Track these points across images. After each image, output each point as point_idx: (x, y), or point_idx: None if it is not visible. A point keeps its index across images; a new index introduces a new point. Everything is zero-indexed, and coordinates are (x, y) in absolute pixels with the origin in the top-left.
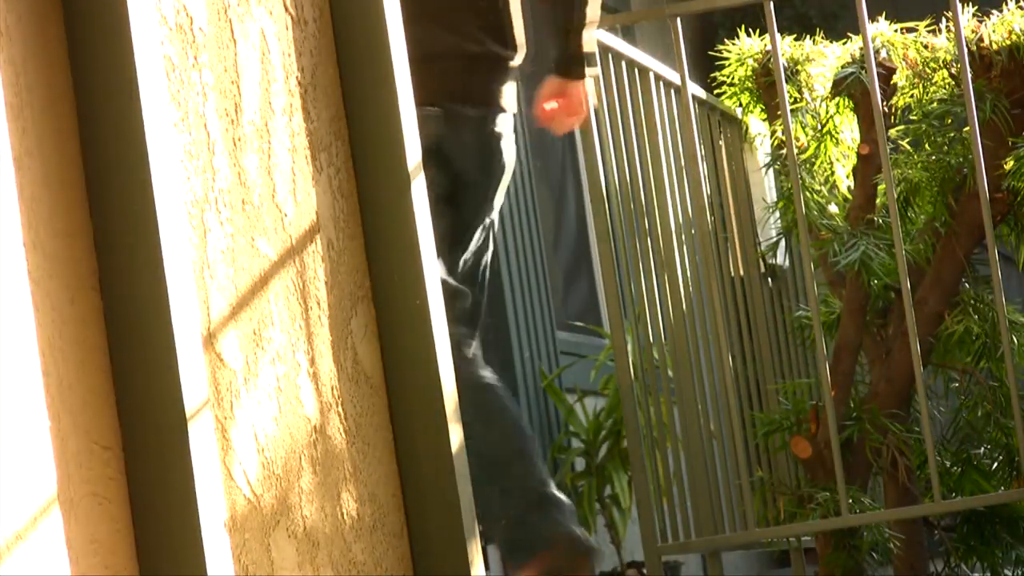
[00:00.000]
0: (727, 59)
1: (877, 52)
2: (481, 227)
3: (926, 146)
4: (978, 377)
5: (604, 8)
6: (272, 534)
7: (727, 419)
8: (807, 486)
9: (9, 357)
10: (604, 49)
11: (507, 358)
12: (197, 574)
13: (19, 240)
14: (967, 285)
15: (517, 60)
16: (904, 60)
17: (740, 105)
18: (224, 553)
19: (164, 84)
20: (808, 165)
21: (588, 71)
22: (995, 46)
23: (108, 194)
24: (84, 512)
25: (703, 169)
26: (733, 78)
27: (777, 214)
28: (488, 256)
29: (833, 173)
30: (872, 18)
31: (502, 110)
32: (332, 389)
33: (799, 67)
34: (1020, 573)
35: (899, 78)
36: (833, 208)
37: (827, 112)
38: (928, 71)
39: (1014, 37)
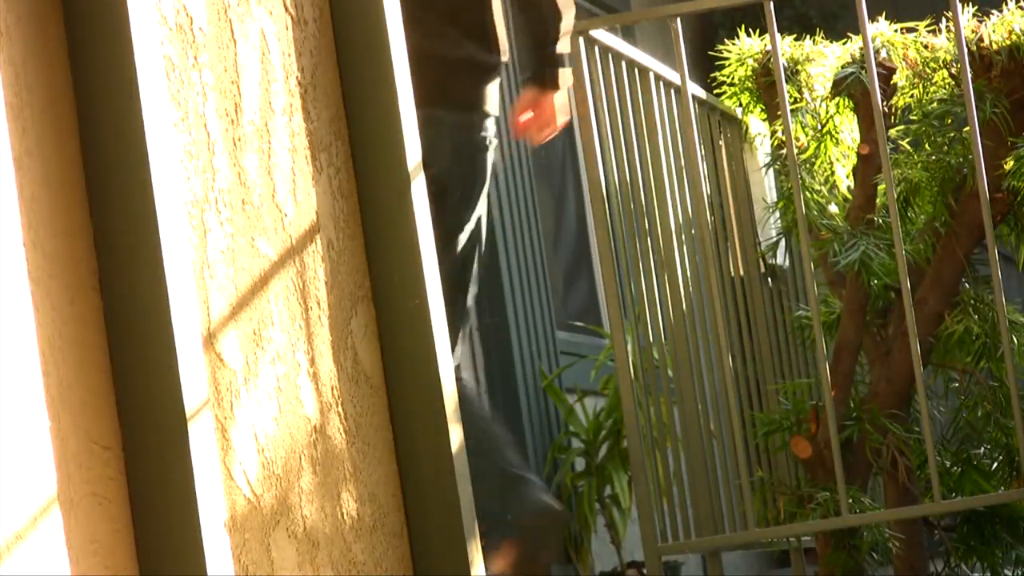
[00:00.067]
0: (727, 59)
1: (877, 52)
2: (464, 233)
3: (926, 146)
4: (978, 377)
5: (604, 8)
6: (272, 534)
7: (727, 419)
8: (807, 486)
9: (9, 357)
10: (604, 49)
11: (507, 358)
12: (197, 574)
13: (19, 240)
14: (967, 285)
15: (500, 65)
16: (904, 60)
17: (740, 105)
18: (224, 553)
19: (164, 84)
20: (808, 165)
21: (563, 80)
22: (995, 46)
23: (108, 194)
24: (84, 512)
25: (703, 169)
26: (733, 78)
27: (777, 214)
28: (476, 261)
29: (833, 173)
30: (872, 18)
31: (485, 115)
32: (332, 389)
33: (799, 67)
34: (1020, 573)
35: (899, 78)
36: (833, 208)
37: (827, 112)
38: (928, 71)
39: (1014, 37)
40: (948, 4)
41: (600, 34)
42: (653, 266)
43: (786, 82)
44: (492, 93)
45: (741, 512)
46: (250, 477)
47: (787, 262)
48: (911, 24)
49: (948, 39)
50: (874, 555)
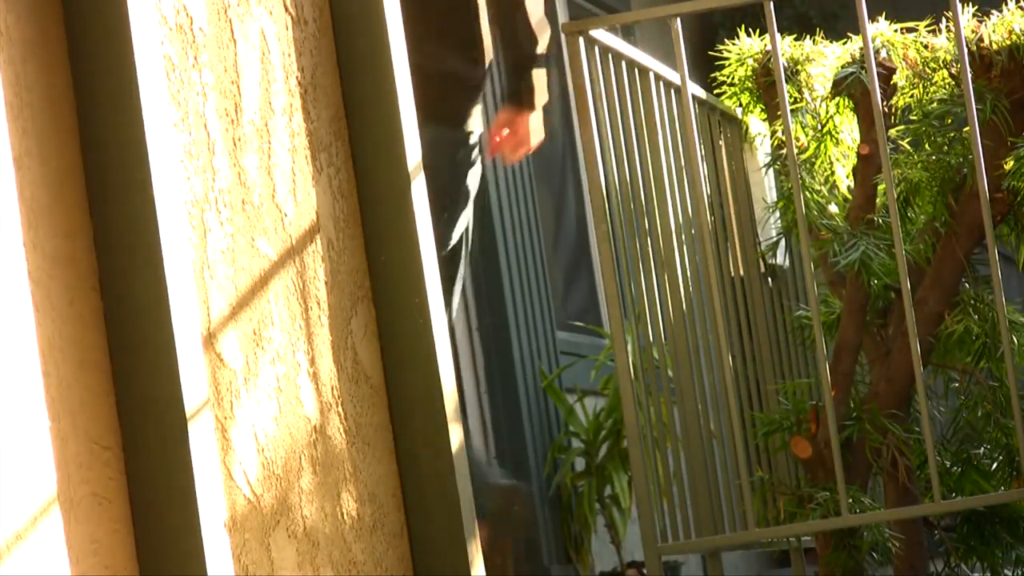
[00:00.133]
0: (727, 59)
1: (877, 52)
2: (447, 251)
3: (926, 146)
4: (978, 377)
5: (604, 8)
6: (272, 534)
7: (727, 419)
8: (807, 486)
9: (9, 357)
10: (604, 49)
11: (507, 358)
12: (197, 574)
13: (19, 240)
14: (967, 285)
15: (484, 82)
16: (904, 60)
17: (740, 105)
18: (224, 553)
19: (164, 84)
20: (808, 165)
21: (538, 101)
22: (995, 46)
23: (108, 194)
24: (84, 512)
25: (703, 169)
26: (733, 78)
27: (777, 214)
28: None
29: (833, 173)
30: (872, 18)
31: (469, 133)
32: (332, 389)
33: (799, 67)
34: (1020, 573)
35: (899, 78)
36: (833, 208)
37: (827, 112)
38: (928, 71)
39: (1014, 37)
40: (948, 4)
41: (600, 34)
42: (653, 266)
43: (786, 82)
44: (476, 111)
45: (741, 512)
46: (250, 477)
47: (787, 262)
48: (911, 24)
49: (948, 39)
50: (874, 555)
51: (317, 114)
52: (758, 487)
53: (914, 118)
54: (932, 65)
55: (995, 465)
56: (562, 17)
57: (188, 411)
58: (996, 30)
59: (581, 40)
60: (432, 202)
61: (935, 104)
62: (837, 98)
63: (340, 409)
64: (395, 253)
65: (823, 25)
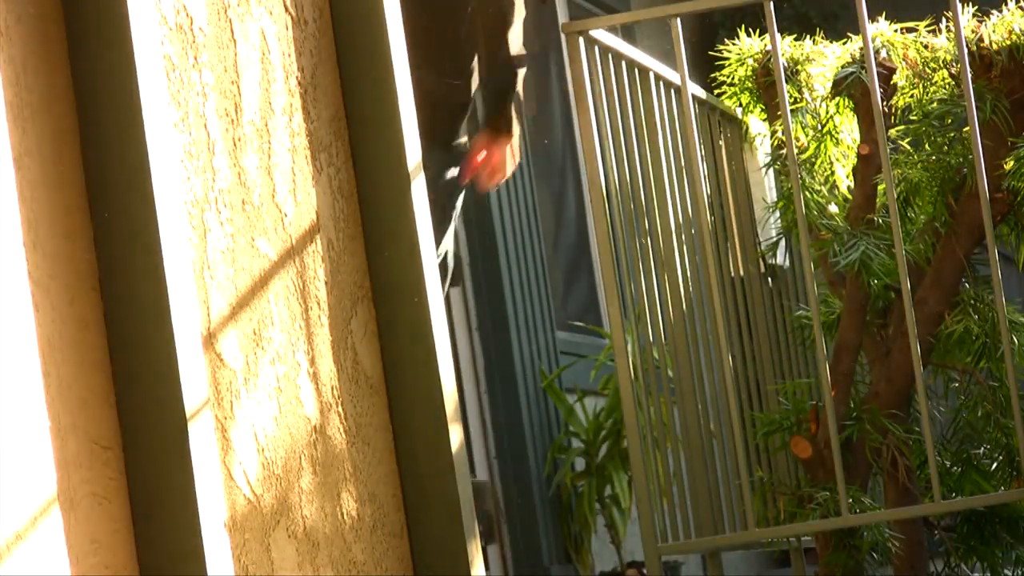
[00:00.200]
0: (727, 59)
1: (877, 52)
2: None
3: (926, 146)
4: (978, 377)
5: (604, 8)
6: (272, 534)
7: (727, 419)
8: (807, 486)
9: (9, 357)
10: (604, 49)
11: (507, 358)
12: (197, 574)
13: (19, 240)
14: (967, 285)
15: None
16: (904, 60)
17: (740, 105)
18: (224, 553)
19: (164, 84)
20: (808, 165)
21: (516, 129)
22: (995, 46)
23: (108, 194)
24: (84, 512)
25: (703, 169)
26: (733, 78)
27: (777, 214)
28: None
29: (833, 173)
30: (872, 18)
31: (458, 154)
32: (332, 389)
33: (799, 67)
34: (1020, 573)
35: (899, 78)
36: (833, 208)
37: (827, 112)
38: (928, 71)
39: (1014, 37)
40: (948, 4)
41: (600, 34)
42: (653, 266)
43: (786, 82)
44: (464, 130)
45: (741, 512)
46: (250, 477)
47: (787, 262)
48: (911, 24)
49: (948, 39)
50: (874, 555)
51: (317, 114)
52: (758, 487)
53: (914, 118)
54: (932, 65)
55: (995, 465)
56: (562, 17)
57: (188, 411)
58: (996, 30)
59: (581, 40)
60: None
61: (935, 104)
62: (837, 98)
63: (340, 409)
64: (395, 253)
65: (823, 25)
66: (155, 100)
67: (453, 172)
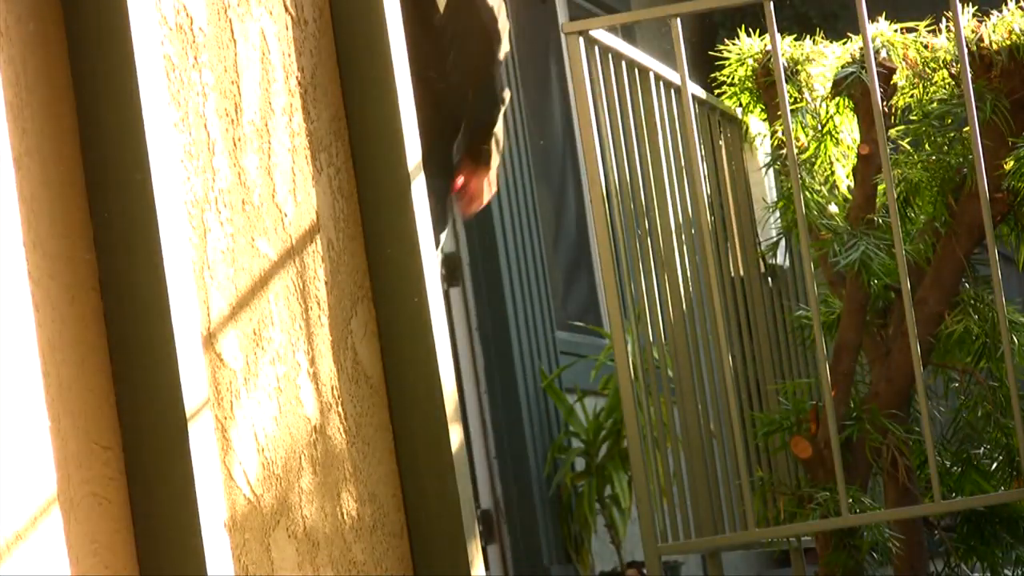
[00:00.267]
0: (727, 59)
1: (877, 52)
2: None
3: (926, 146)
4: (978, 377)
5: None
6: (272, 534)
7: (727, 419)
8: (807, 486)
9: (9, 357)
10: (604, 49)
11: (507, 358)
12: (197, 574)
13: (19, 240)
14: (967, 285)
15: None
16: (904, 60)
17: (740, 105)
18: (224, 553)
19: (164, 84)
20: (808, 165)
21: (494, 160)
22: (995, 46)
23: (108, 194)
24: (84, 512)
25: (703, 169)
26: (733, 78)
27: (777, 214)
28: None
29: (833, 173)
30: (872, 18)
31: (451, 189)
32: (332, 389)
33: (799, 67)
34: (1020, 573)
35: (899, 78)
36: (833, 208)
37: (827, 112)
38: (928, 71)
39: (1014, 37)
40: (948, 4)
41: (600, 34)
42: (653, 266)
43: (786, 82)
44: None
45: (741, 512)
46: (250, 477)
47: (787, 262)
48: (911, 24)
49: (948, 39)
50: (874, 555)
51: (317, 114)
52: (758, 487)
53: (914, 118)
54: (932, 65)
55: (995, 465)
56: (562, 17)
57: (188, 411)
58: (996, 30)
59: (581, 40)
60: None
61: (935, 104)
62: (837, 98)
63: (340, 409)
64: (395, 253)
65: (823, 25)
66: (155, 100)
67: (448, 209)
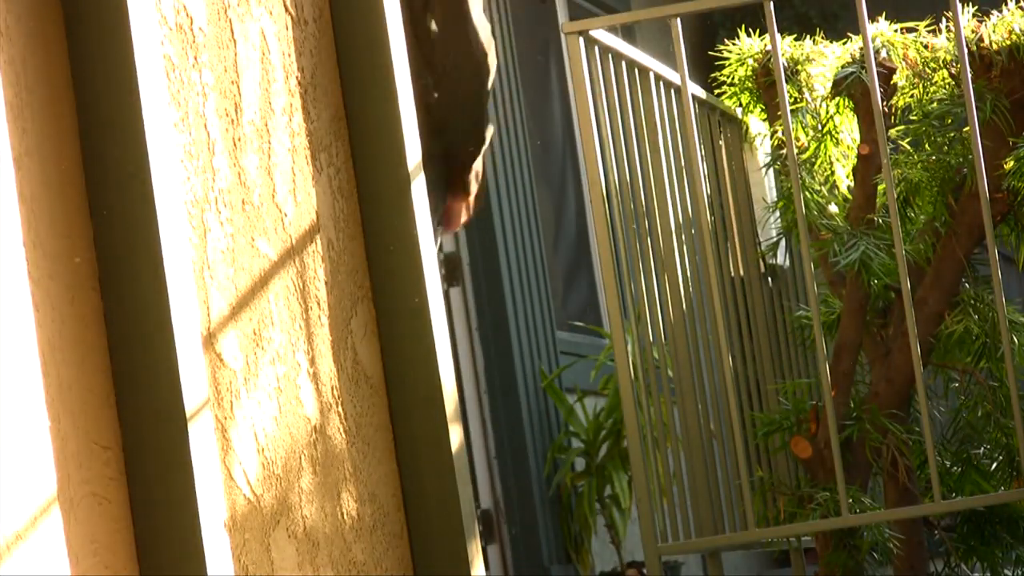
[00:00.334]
0: (727, 59)
1: (877, 52)
2: None
3: (926, 146)
4: (978, 377)
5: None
6: (272, 534)
7: (727, 419)
8: (807, 486)
9: (9, 357)
10: (604, 49)
11: (507, 358)
12: (197, 574)
13: (19, 240)
14: (967, 285)
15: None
16: (904, 60)
17: (740, 105)
18: (224, 553)
19: (164, 84)
20: (808, 165)
21: (472, 190)
22: (995, 46)
23: (108, 194)
24: (84, 512)
25: (703, 169)
26: (733, 78)
27: (777, 214)
28: None
29: (833, 173)
30: (872, 18)
31: (440, 213)
32: (332, 389)
33: (799, 67)
34: (1020, 573)
35: (899, 78)
36: (833, 208)
37: (827, 112)
38: (928, 71)
39: (1014, 37)
40: (948, 4)
41: (600, 34)
42: (653, 266)
43: (786, 82)
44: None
45: (741, 512)
46: (250, 477)
47: (787, 262)
48: (911, 24)
49: (948, 39)
50: (874, 555)
51: (317, 114)
52: (758, 487)
53: (914, 118)
54: (932, 65)
55: (995, 465)
56: (562, 17)
57: (188, 411)
58: (996, 30)
59: (581, 40)
60: None
61: (935, 104)
62: (837, 98)
63: (340, 409)
64: (395, 253)
65: (823, 25)
66: (155, 100)
67: (437, 236)
